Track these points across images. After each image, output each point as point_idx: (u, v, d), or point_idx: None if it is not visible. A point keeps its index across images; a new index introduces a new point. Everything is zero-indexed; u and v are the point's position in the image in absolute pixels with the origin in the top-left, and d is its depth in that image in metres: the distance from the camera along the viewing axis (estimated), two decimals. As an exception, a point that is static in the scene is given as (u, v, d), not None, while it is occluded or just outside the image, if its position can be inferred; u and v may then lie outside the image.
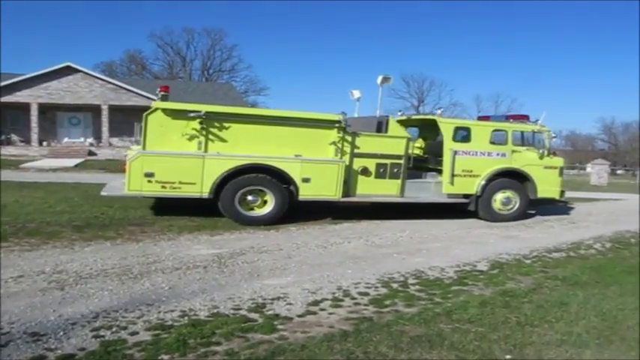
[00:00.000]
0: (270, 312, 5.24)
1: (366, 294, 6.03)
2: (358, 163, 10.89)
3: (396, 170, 11.12)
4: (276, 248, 8.21)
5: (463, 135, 12.07)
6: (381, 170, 11.04)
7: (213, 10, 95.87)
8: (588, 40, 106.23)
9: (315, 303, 5.61)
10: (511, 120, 13.06)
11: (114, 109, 33.29)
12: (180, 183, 9.65)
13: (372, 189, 11.08)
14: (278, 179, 10.20)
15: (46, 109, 32.86)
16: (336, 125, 10.52)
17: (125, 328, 4.62)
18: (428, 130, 13.53)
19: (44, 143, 32.70)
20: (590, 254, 9.02)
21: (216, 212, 10.20)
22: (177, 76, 65.52)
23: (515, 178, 12.33)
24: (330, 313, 5.33)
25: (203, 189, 9.76)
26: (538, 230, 11.32)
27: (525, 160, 12.33)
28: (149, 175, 9.45)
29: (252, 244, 8.38)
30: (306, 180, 10.28)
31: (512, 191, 12.28)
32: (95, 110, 33.46)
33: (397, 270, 7.17)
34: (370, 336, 4.66)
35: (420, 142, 13.84)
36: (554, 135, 13.03)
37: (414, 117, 14.16)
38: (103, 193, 10.28)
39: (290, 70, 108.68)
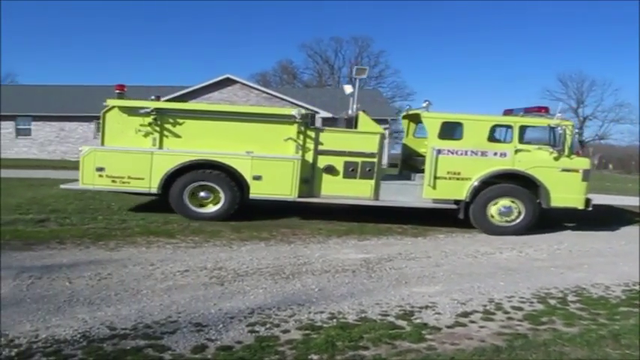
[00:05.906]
0: (418, 320, 5.16)
1: (520, 309, 5.70)
2: (323, 161, 10.20)
3: (368, 170, 10.15)
4: (424, 256, 8.08)
5: (453, 131, 10.35)
6: (351, 169, 10.14)
7: (360, 18, 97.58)
8: None
9: (465, 314, 5.42)
10: (521, 114, 10.92)
11: (269, 117, 35.07)
12: (129, 178, 9.98)
13: (340, 190, 10.23)
14: (228, 176, 10.06)
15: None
16: (291, 120, 10.04)
17: (278, 326, 4.82)
18: None
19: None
20: None
21: (363, 218, 10.26)
22: (325, 84, 67.44)
23: (519, 182, 10.29)
24: (481, 327, 5.11)
25: (152, 184, 9.99)
26: None
27: (533, 160, 10.14)
28: (100, 169, 9.92)
29: (400, 251, 8.33)
30: (257, 178, 9.98)
31: (514, 199, 10.22)
32: (252, 118, 35.58)
33: (555, 285, 6.68)
34: (525, 354, 4.39)
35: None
36: (577, 130, 10.69)
37: (410, 112, 12.10)
38: (62, 186, 10.84)
39: (436, 74, 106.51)
